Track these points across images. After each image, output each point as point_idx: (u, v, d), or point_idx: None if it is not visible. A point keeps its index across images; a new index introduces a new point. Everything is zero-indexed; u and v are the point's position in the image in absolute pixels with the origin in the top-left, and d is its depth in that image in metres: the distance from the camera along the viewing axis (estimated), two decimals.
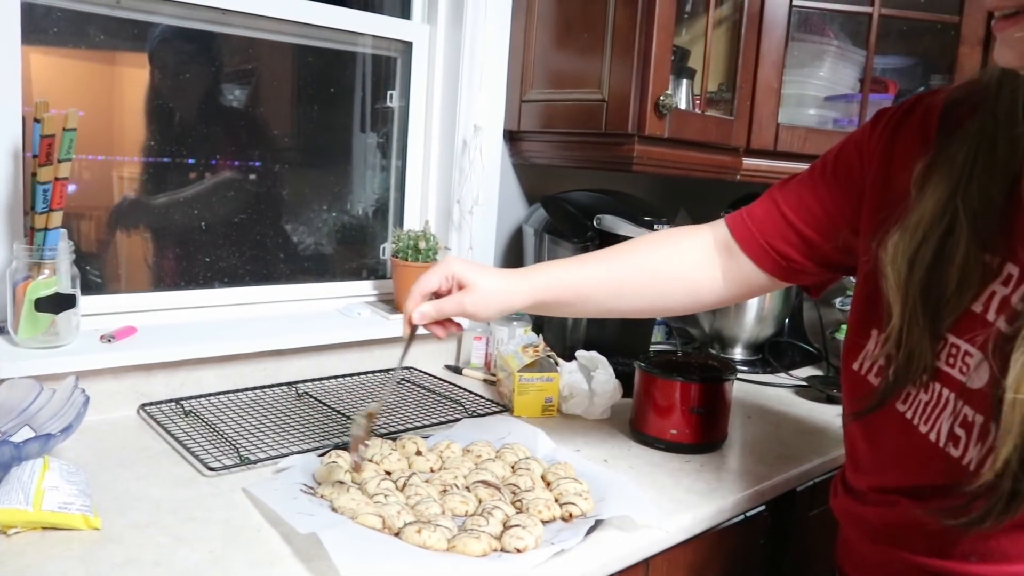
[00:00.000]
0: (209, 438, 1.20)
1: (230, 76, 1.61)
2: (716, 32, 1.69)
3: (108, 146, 1.48)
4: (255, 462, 1.12)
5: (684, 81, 1.70)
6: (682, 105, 1.67)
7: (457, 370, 1.67)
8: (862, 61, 1.72)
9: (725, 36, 1.73)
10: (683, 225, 1.09)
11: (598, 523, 1.00)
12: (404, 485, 1.05)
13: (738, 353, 1.94)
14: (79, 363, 1.24)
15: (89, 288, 1.39)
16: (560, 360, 1.47)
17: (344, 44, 1.72)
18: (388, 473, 1.10)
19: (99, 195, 1.48)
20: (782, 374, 1.83)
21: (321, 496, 1.02)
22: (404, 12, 1.77)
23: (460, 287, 1.02)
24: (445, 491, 1.05)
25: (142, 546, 0.89)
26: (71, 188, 1.41)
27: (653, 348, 1.87)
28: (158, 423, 1.25)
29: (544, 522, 0.99)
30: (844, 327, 1.83)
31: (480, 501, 1.03)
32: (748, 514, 1.20)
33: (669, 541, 1.05)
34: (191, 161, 1.56)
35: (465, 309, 1.01)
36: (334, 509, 0.98)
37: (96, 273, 1.45)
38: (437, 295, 1.03)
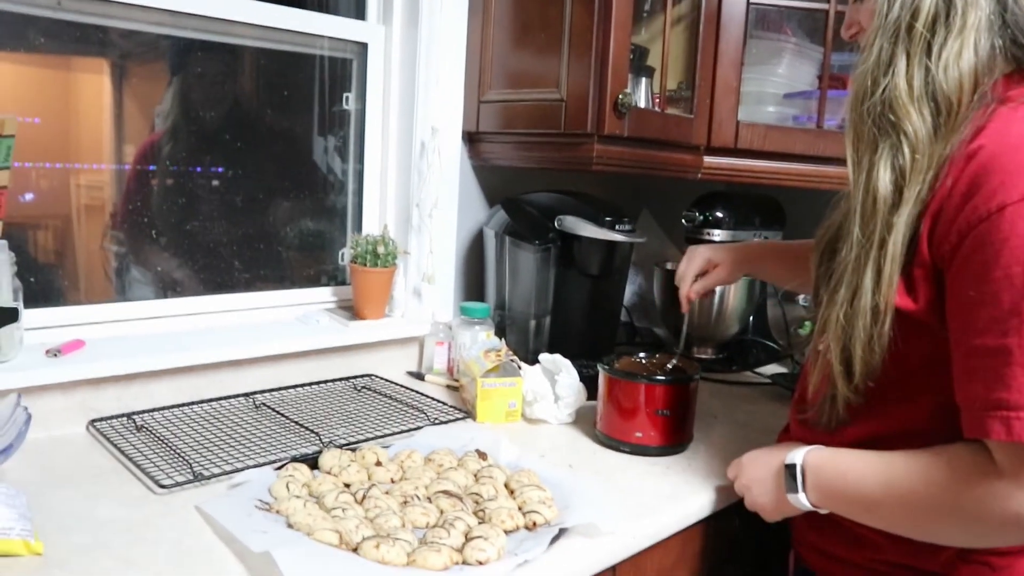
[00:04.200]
0: (161, 454, 1.16)
1: (184, 80, 1.56)
2: (674, 30, 1.68)
3: (64, 153, 1.43)
4: (209, 478, 1.09)
5: (643, 80, 1.68)
6: (641, 104, 1.66)
7: (419, 376, 1.64)
8: (819, 58, 1.72)
9: (683, 34, 1.72)
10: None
11: (562, 531, 0.98)
12: (364, 497, 1.02)
13: (702, 352, 1.93)
14: (23, 379, 1.19)
15: (35, 300, 1.34)
16: (523, 364, 1.45)
17: (299, 46, 1.68)
18: (347, 485, 1.07)
19: (55, 204, 1.44)
20: (747, 372, 1.83)
21: (277, 512, 0.98)
22: (359, 13, 1.74)
23: (714, 266, 1.37)
24: (406, 502, 1.02)
25: (86, 570, 0.85)
26: (28, 196, 1.37)
27: (617, 350, 1.85)
28: (108, 439, 1.21)
29: (507, 532, 0.96)
30: (807, 323, 1.82)
31: (441, 512, 1.00)
32: (715, 516, 1.18)
33: (635, 547, 1.04)
34: (152, 168, 1.52)
35: (722, 281, 1.39)
36: (290, 525, 0.95)
37: (44, 284, 1.40)
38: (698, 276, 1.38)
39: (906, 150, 0.85)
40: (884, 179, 0.86)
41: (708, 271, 1.38)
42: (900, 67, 0.86)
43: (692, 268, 1.38)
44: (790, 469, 0.97)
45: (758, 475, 1.06)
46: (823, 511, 0.97)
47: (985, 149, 0.80)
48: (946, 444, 0.85)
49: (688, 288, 1.38)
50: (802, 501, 0.96)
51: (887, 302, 0.85)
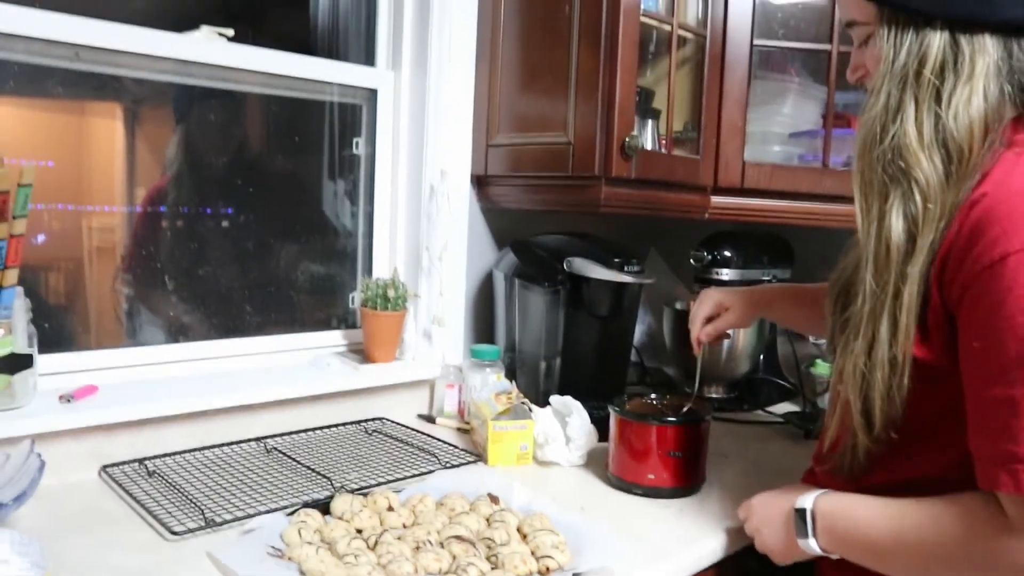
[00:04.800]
0: (173, 499, 1.16)
1: (196, 126, 1.59)
2: (679, 72, 1.70)
3: (76, 196, 1.45)
4: (221, 524, 1.08)
5: (649, 122, 1.70)
6: (648, 146, 1.67)
7: (430, 419, 1.64)
8: (823, 97, 1.74)
9: (688, 76, 1.74)
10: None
11: None
12: (376, 543, 1.02)
13: (713, 391, 1.92)
14: (36, 425, 1.19)
15: (48, 345, 1.35)
16: (534, 406, 1.45)
17: (309, 93, 1.71)
18: (359, 531, 1.07)
19: (67, 246, 1.45)
20: (759, 411, 1.82)
21: (289, 559, 0.98)
22: (368, 59, 1.77)
23: (725, 309, 1.35)
24: (418, 548, 1.01)
25: None
26: (40, 238, 1.38)
27: (628, 391, 1.85)
28: (120, 485, 1.21)
29: None
30: (818, 361, 1.82)
31: (454, 558, 1.00)
32: (730, 559, 1.17)
33: None
34: (162, 209, 1.54)
35: (733, 325, 1.36)
36: (303, 572, 0.94)
37: (57, 329, 1.41)
38: (709, 319, 1.36)
39: (918, 198, 0.84)
40: (897, 228, 0.85)
41: (719, 314, 1.37)
42: (909, 114, 0.85)
43: (703, 311, 1.37)
44: (800, 514, 0.97)
45: (768, 517, 1.05)
46: (833, 556, 0.96)
47: (988, 196, 0.80)
48: (960, 493, 0.84)
49: (699, 331, 1.37)
50: (812, 546, 0.96)
51: (904, 353, 0.85)
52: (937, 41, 0.84)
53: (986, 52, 0.83)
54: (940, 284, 0.83)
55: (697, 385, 1.41)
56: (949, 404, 0.85)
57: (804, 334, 1.82)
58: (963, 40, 0.84)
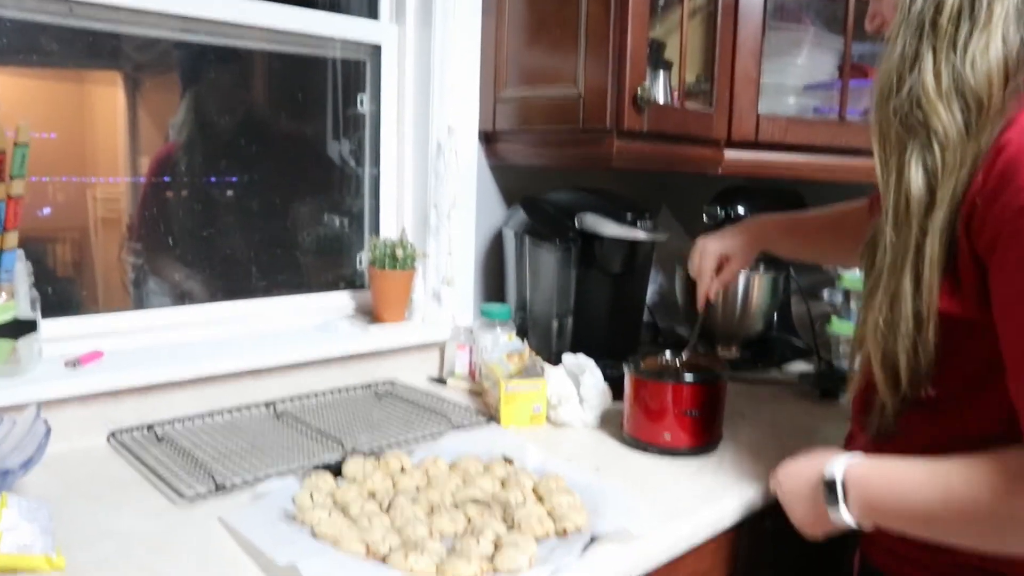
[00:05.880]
0: (183, 464, 1.14)
1: (197, 89, 1.55)
2: (691, 23, 1.65)
3: (80, 167, 1.43)
4: (231, 488, 1.07)
5: (661, 74, 1.65)
6: (660, 98, 1.63)
7: (441, 381, 1.62)
8: (840, 48, 1.69)
9: (701, 27, 1.69)
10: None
11: (594, 538, 0.95)
12: (389, 506, 1.00)
13: (727, 351, 1.89)
14: (42, 391, 1.17)
15: (53, 311, 1.33)
16: (547, 366, 1.42)
17: (311, 48, 1.66)
18: (372, 494, 1.05)
19: (72, 217, 1.43)
20: (773, 370, 1.80)
21: (301, 522, 0.96)
22: (371, 13, 1.72)
23: (727, 260, 1.36)
24: (432, 510, 1.00)
25: None
26: (45, 211, 1.36)
27: (642, 350, 1.82)
28: (129, 451, 1.19)
29: (537, 539, 0.94)
30: (833, 319, 1.79)
31: (469, 520, 0.98)
32: (752, 518, 1.15)
33: (670, 551, 1.01)
34: (167, 178, 1.51)
35: (737, 271, 1.39)
36: (315, 535, 0.92)
37: (62, 295, 1.39)
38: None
39: (936, 150, 0.81)
40: (916, 181, 0.82)
41: (723, 265, 1.37)
42: (926, 63, 0.82)
43: (708, 265, 1.36)
44: (830, 485, 0.90)
45: (795, 490, 0.99)
46: (865, 526, 0.90)
47: (1012, 143, 0.77)
48: (1003, 449, 0.79)
49: (707, 286, 1.36)
50: (844, 518, 0.89)
51: (929, 308, 0.82)
52: None
53: None
54: (969, 236, 0.79)
55: (695, 338, 1.40)
56: (990, 359, 0.80)
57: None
58: None
